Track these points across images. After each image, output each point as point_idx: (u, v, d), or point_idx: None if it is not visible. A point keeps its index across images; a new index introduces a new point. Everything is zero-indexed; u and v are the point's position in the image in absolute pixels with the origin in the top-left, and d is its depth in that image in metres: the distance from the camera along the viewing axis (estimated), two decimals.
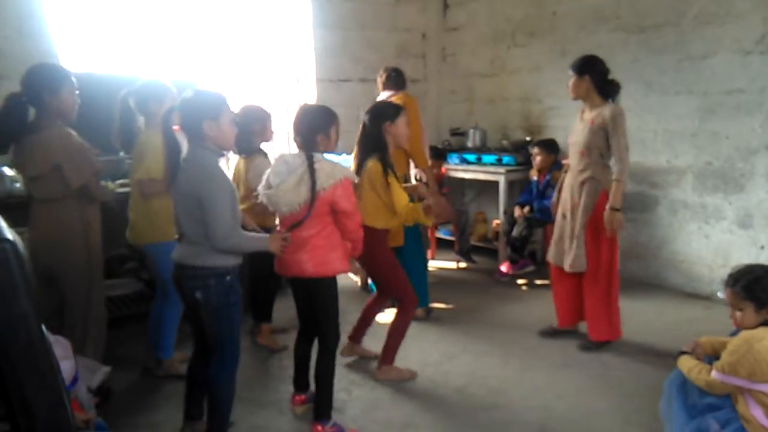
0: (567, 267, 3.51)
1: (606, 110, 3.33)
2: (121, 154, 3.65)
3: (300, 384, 2.97)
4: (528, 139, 5.43)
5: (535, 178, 5.07)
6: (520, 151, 5.32)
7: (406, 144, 3.29)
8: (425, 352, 3.61)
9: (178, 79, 3.67)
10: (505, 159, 5.27)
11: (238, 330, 2.47)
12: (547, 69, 5.36)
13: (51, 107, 2.77)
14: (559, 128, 5.32)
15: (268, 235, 2.53)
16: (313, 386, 2.80)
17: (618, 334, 3.59)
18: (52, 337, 2.45)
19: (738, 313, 2.18)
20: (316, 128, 2.58)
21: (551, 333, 3.80)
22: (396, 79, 4.29)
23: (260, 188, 2.65)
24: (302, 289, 2.76)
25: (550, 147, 5.00)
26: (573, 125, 3.59)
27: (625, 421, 2.77)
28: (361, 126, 3.16)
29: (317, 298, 2.70)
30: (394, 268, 3.20)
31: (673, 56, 4.44)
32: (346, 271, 2.71)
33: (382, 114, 3.11)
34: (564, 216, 3.58)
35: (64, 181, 2.79)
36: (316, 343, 2.84)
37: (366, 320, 3.49)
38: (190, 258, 2.35)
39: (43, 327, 1.34)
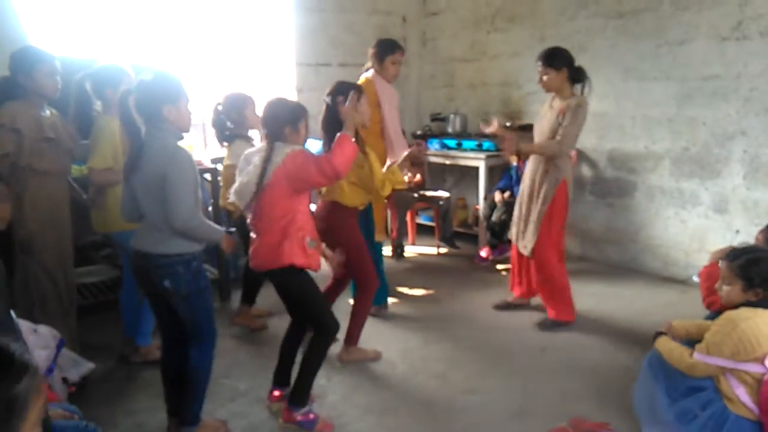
0: (522, 249, 3.70)
1: (573, 100, 3.42)
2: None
3: (280, 379, 2.84)
4: (508, 124, 5.42)
5: (514, 163, 5.07)
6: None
7: (369, 123, 3.20)
8: (404, 337, 3.61)
9: (145, 65, 3.60)
10: (486, 144, 5.26)
11: (212, 314, 2.46)
12: (527, 54, 5.34)
13: (28, 88, 2.86)
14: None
15: (222, 229, 2.45)
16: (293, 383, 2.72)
17: (573, 317, 3.72)
18: (31, 326, 2.42)
19: (726, 287, 2.22)
20: (283, 121, 2.52)
21: (505, 306, 4.01)
22: (374, 55, 3.88)
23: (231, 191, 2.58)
24: (273, 281, 2.67)
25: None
26: (540, 111, 3.68)
27: (602, 404, 2.80)
28: (324, 108, 3.06)
29: (288, 290, 2.66)
30: (361, 248, 3.17)
31: (651, 42, 4.46)
32: (301, 265, 2.54)
33: (338, 93, 3.01)
34: (522, 200, 3.73)
35: None
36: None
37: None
38: (154, 245, 2.29)
39: (12, 312, 1.31)
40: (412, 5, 6.21)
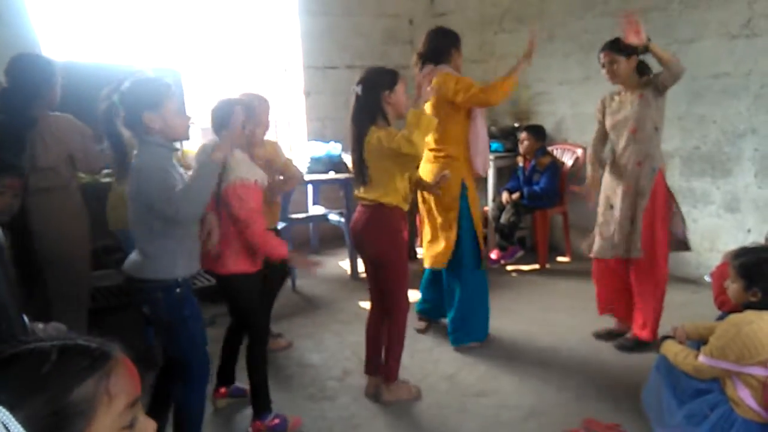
0: (624, 254, 3.27)
1: (651, 80, 3.18)
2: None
3: (224, 376, 2.89)
4: (516, 125, 5.42)
5: (521, 164, 5.07)
6: (508, 137, 5.31)
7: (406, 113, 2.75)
8: (415, 339, 3.60)
9: (161, 68, 3.61)
10: (494, 145, 5.24)
11: (201, 345, 2.27)
12: (535, 54, 5.31)
13: (48, 101, 2.79)
14: (547, 114, 5.32)
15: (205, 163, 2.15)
16: (238, 381, 2.74)
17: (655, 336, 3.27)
18: (40, 326, 2.41)
19: (731, 285, 2.23)
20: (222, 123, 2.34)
21: (607, 335, 3.52)
22: (452, 45, 3.44)
23: None
24: (218, 283, 2.63)
25: (538, 133, 5.00)
26: (617, 109, 3.30)
27: (614, 406, 2.79)
28: (354, 99, 2.75)
29: (227, 294, 2.61)
30: (400, 263, 2.83)
31: (660, 41, 4.38)
32: (244, 271, 2.49)
33: (378, 83, 2.70)
34: (611, 206, 3.33)
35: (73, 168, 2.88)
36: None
37: (376, 346, 2.97)
38: (135, 269, 2.15)
39: (25, 317, 1.32)
40: (419, 7, 6.20)
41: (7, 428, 0.74)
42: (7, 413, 0.75)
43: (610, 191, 3.36)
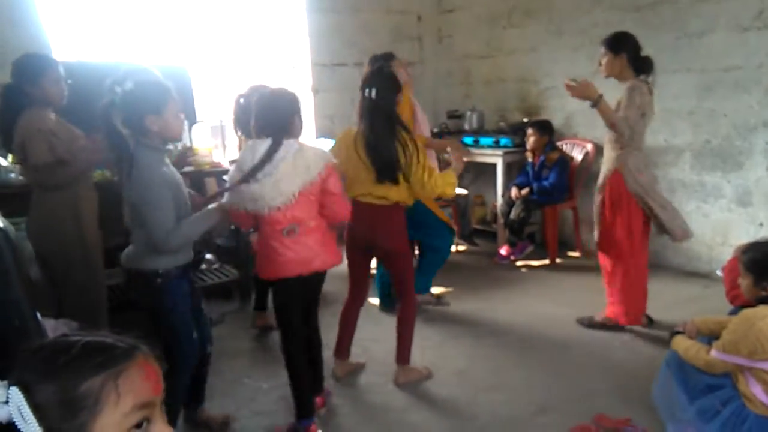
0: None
1: (627, 83, 3.27)
2: None
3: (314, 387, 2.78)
4: (525, 120, 5.40)
5: (530, 159, 5.06)
6: (517, 132, 5.29)
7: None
8: (425, 334, 3.60)
9: (169, 66, 3.63)
10: (503, 141, 5.25)
11: (187, 334, 2.36)
12: (544, 49, 5.31)
13: (35, 97, 2.78)
14: (556, 109, 5.30)
15: (208, 209, 2.35)
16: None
17: (634, 322, 3.50)
18: (52, 322, 2.46)
19: (742, 281, 2.23)
20: (290, 111, 2.41)
21: (588, 324, 3.66)
22: None
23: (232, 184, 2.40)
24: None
25: (544, 128, 4.98)
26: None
27: (625, 400, 2.78)
28: (367, 101, 2.77)
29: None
30: (409, 253, 3.01)
31: (670, 34, 4.41)
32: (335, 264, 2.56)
33: (393, 87, 2.79)
34: None
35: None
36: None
37: (350, 330, 3.17)
38: (137, 262, 2.28)
39: (38, 313, 1.34)
40: (426, 3, 6.20)
41: (20, 412, 0.79)
42: (22, 399, 0.79)
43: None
